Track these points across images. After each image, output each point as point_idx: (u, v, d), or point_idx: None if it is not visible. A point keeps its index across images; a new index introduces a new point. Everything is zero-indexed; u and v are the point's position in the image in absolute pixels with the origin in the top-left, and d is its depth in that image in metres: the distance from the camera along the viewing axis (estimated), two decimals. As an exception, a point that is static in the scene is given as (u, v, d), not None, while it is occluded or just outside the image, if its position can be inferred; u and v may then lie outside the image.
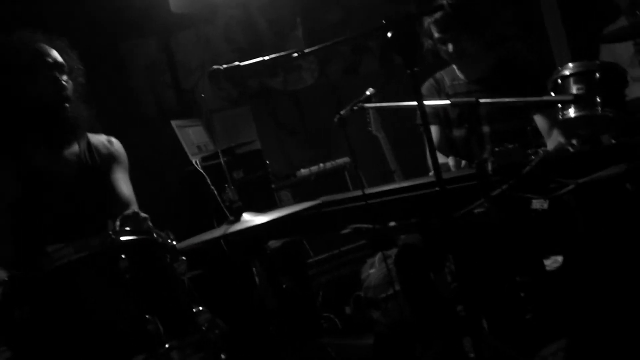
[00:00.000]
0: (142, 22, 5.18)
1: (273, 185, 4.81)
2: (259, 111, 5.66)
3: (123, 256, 1.96)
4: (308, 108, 6.02)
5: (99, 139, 3.07)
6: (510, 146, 2.61)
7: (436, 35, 3.42)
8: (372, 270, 4.52)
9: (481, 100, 2.70)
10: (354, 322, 4.47)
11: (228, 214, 3.88)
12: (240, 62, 2.69)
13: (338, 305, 4.66)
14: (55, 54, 2.84)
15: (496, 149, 2.62)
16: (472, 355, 3.17)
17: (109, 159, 3.03)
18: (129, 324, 1.97)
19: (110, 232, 2.00)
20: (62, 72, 2.84)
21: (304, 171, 5.14)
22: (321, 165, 5.01)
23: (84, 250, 1.95)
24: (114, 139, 3.12)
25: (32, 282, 1.95)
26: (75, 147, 2.93)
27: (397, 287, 3.60)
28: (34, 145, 2.82)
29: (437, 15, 3.34)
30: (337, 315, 4.57)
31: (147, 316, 1.94)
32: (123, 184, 3.04)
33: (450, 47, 3.41)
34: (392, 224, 3.11)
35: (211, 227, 3.07)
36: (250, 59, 2.69)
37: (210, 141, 4.95)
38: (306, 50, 2.53)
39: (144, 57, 5.44)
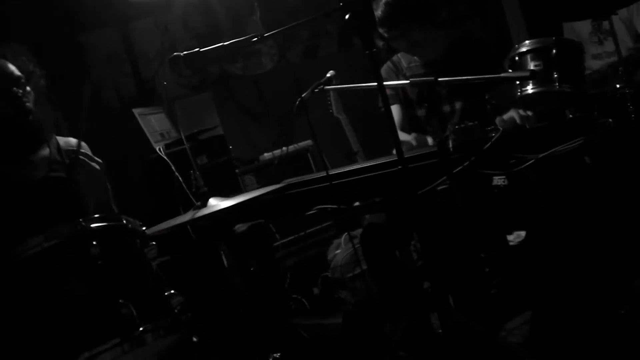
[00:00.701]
0: (100, 12, 5.12)
1: (237, 170, 4.81)
2: (220, 97, 5.66)
3: (94, 242, 1.97)
4: (269, 92, 6.02)
5: (69, 143, 3.04)
6: (470, 124, 2.65)
7: (386, 35, 3.43)
8: (338, 251, 4.56)
9: (439, 79, 2.73)
10: (322, 303, 4.51)
11: (194, 200, 3.90)
12: (199, 48, 2.69)
13: (306, 286, 4.69)
14: (11, 68, 2.80)
15: (456, 127, 2.66)
16: (439, 330, 3.22)
17: (82, 169, 3.01)
18: (102, 309, 1.99)
19: (80, 220, 2.01)
20: (21, 85, 2.80)
21: (267, 155, 5.16)
22: (284, 148, 5.03)
23: (55, 238, 1.96)
24: (81, 143, 3.06)
25: (6, 272, 1.95)
26: (44, 151, 2.90)
27: (364, 267, 3.65)
28: (3, 159, 2.81)
29: (380, 14, 3.34)
30: (305, 296, 4.60)
31: (120, 300, 1.95)
32: (103, 191, 3.04)
33: (403, 42, 3.43)
34: (356, 204, 3.14)
35: (177, 214, 3.07)
36: (209, 45, 2.69)
37: (172, 128, 4.94)
38: (266, 34, 2.54)
39: (104, 48, 5.39)
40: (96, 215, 2.15)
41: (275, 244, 4.74)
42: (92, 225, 2.01)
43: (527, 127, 2.84)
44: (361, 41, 2.24)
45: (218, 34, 5.72)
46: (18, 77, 2.79)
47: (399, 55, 3.71)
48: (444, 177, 2.55)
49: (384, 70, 3.68)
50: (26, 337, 1.97)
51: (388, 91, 3.71)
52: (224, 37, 5.58)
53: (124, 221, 2.15)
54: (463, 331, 2.98)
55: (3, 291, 1.95)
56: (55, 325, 1.95)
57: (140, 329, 1.97)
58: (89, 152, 3.09)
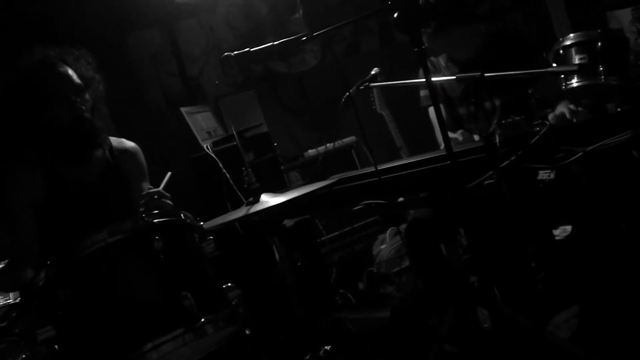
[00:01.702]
0: (146, 13, 5.20)
1: (282, 167, 4.86)
2: (263, 95, 5.71)
3: (157, 237, 2.03)
4: (312, 90, 6.06)
5: (123, 147, 3.08)
6: (517, 118, 2.66)
7: (427, 31, 3.44)
8: (383, 246, 4.58)
9: (486, 75, 2.74)
10: (367, 298, 4.54)
11: (242, 197, 3.97)
12: (242, 48, 2.73)
13: (351, 281, 4.73)
14: (72, 76, 2.80)
15: (503, 122, 2.67)
16: (485, 325, 3.22)
17: (134, 171, 3.07)
18: (166, 301, 2.04)
19: (143, 215, 2.07)
20: (81, 93, 2.81)
21: (311, 152, 5.21)
22: (328, 145, 5.06)
23: (118, 233, 2.02)
24: (135, 147, 3.13)
25: (73, 266, 2.02)
26: (98, 152, 2.93)
27: (409, 261, 3.67)
28: (57, 160, 2.85)
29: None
30: (350, 291, 4.63)
31: (182, 293, 2.01)
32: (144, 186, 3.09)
33: (443, 39, 3.44)
34: (400, 199, 3.16)
35: (225, 211, 3.13)
36: (252, 45, 2.73)
37: (219, 126, 5.01)
38: (315, 34, 2.58)
39: (150, 48, 5.47)
40: (156, 211, 2.21)
41: (321, 239, 4.78)
42: (154, 221, 2.07)
43: (575, 121, 2.83)
44: (409, 39, 2.27)
45: (261, 33, 5.76)
46: (78, 86, 2.80)
47: (436, 54, 3.72)
48: (491, 172, 2.56)
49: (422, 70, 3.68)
50: (92, 329, 2.03)
51: (428, 91, 3.72)
52: (266, 36, 5.63)
53: (182, 216, 2.20)
54: (511, 325, 2.98)
55: (68, 285, 2.01)
56: (120, 317, 2.01)
57: (202, 320, 2.02)
58: (142, 157, 3.13)
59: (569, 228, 3.43)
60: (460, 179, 2.38)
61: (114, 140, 3.06)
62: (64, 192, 2.83)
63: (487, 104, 3.49)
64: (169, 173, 2.84)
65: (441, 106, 3.60)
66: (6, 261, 3.01)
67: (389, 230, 4.65)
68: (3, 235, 2.86)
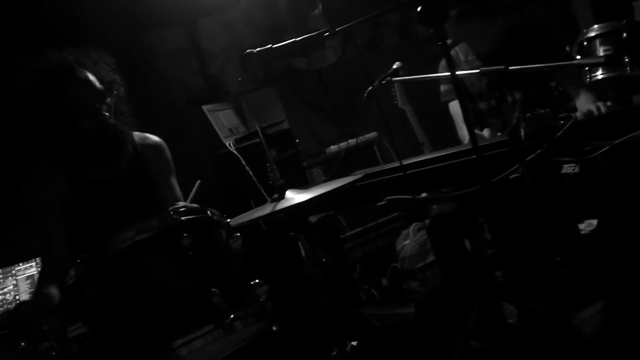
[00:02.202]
0: (167, 11, 5.22)
1: (304, 163, 4.87)
2: (284, 91, 5.71)
3: (185, 234, 2.04)
4: (332, 85, 6.06)
5: (147, 143, 3.07)
6: (542, 111, 2.64)
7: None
8: (406, 242, 4.58)
9: (510, 68, 2.72)
10: (391, 293, 4.53)
11: (265, 194, 3.98)
12: (263, 44, 2.74)
13: (374, 277, 4.72)
14: (93, 82, 2.77)
15: (527, 115, 2.65)
16: (510, 320, 3.21)
17: (159, 166, 3.06)
18: (195, 297, 2.05)
19: (171, 212, 2.08)
20: (103, 99, 2.78)
21: (333, 148, 5.21)
22: (350, 141, 5.06)
23: (146, 231, 2.03)
24: (160, 142, 3.12)
25: (102, 264, 2.03)
26: (122, 153, 2.91)
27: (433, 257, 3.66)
28: (82, 163, 2.84)
29: None
30: (374, 287, 4.63)
31: (211, 289, 2.02)
32: (175, 188, 3.09)
33: (462, 30, 3.43)
34: (423, 195, 3.16)
35: (249, 208, 3.13)
36: (272, 41, 2.74)
37: (241, 124, 5.02)
38: (337, 29, 2.58)
39: (170, 45, 5.49)
40: (183, 208, 2.22)
41: (344, 235, 4.78)
42: (182, 218, 2.07)
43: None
44: (432, 33, 2.26)
45: (281, 30, 5.77)
46: (100, 92, 2.77)
47: (456, 49, 3.69)
48: (516, 166, 2.54)
49: (442, 65, 3.66)
50: (122, 326, 2.04)
51: (449, 86, 3.71)
52: (286, 33, 5.64)
53: (209, 213, 2.21)
54: (537, 320, 2.96)
55: (98, 283, 2.02)
56: (149, 314, 2.02)
57: (231, 316, 2.03)
58: (168, 153, 3.12)
59: (594, 222, 3.40)
60: (486, 173, 2.37)
61: (138, 137, 3.04)
62: (89, 193, 2.84)
63: (514, 97, 3.46)
64: (198, 182, 2.84)
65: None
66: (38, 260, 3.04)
67: (412, 226, 4.65)
68: (34, 236, 2.89)
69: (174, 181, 3.10)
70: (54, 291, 2.64)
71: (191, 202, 3.06)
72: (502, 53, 3.42)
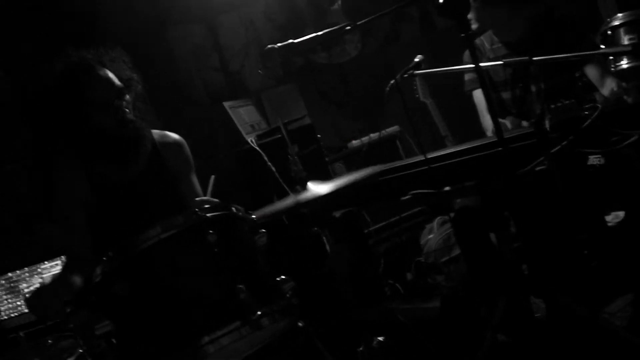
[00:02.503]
0: (187, 8, 5.24)
1: (326, 158, 4.85)
2: (304, 86, 5.70)
3: (211, 231, 2.03)
4: (353, 80, 6.04)
5: (166, 140, 3.05)
6: (567, 102, 2.61)
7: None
8: (430, 236, 4.56)
9: (535, 58, 2.69)
10: (415, 288, 4.51)
11: (287, 189, 3.97)
12: (282, 40, 2.73)
13: (399, 271, 4.70)
14: (113, 79, 2.78)
15: (552, 106, 2.62)
16: (537, 314, 3.19)
17: (179, 164, 3.04)
18: (222, 294, 2.04)
19: (196, 209, 2.07)
20: (121, 96, 2.79)
21: (355, 142, 5.19)
22: (372, 135, 5.04)
23: (172, 228, 2.02)
24: (180, 140, 3.10)
25: (128, 262, 2.03)
26: (142, 151, 2.91)
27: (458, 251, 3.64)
28: (102, 161, 2.85)
29: None
30: (398, 281, 4.61)
31: (238, 286, 2.01)
32: (196, 185, 3.09)
33: (483, 17, 3.40)
34: (447, 188, 3.13)
35: (271, 203, 3.12)
36: (292, 37, 2.73)
37: (262, 119, 5.02)
38: (359, 22, 2.57)
39: (191, 42, 5.51)
40: (207, 205, 2.21)
41: (368, 230, 4.76)
42: (207, 214, 2.07)
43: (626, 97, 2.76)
44: (455, 24, 2.23)
45: (300, 25, 5.76)
46: (119, 89, 2.78)
47: (481, 37, 3.67)
48: (542, 157, 2.52)
49: (466, 55, 3.64)
50: (149, 323, 2.04)
51: (473, 75, 3.69)
52: (306, 28, 5.63)
53: (234, 209, 2.20)
54: (565, 314, 2.94)
55: (124, 281, 2.02)
56: (176, 311, 2.01)
57: (258, 313, 2.02)
58: (188, 150, 3.10)
59: (621, 214, 3.36)
60: (511, 165, 2.34)
61: (158, 135, 3.04)
62: (110, 192, 2.85)
63: (538, 87, 3.43)
64: (213, 177, 2.83)
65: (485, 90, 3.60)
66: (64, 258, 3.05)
67: (436, 220, 4.63)
68: (59, 234, 2.90)
69: (194, 178, 3.09)
70: (76, 279, 2.65)
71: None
72: (528, 42, 3.40)
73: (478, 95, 3.71)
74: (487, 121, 3.67)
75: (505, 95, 3.56)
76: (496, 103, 3.59)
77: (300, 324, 2.34)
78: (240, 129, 4.71)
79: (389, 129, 5.24)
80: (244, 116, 4.87)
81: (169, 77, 5.22)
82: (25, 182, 4.44)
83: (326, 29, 2.70)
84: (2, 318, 3.79)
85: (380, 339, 2.67)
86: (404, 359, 3.26)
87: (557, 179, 2.61)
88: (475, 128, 3.77)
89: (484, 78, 2.35)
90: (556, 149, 2.50)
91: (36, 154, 4.26)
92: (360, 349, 2.65)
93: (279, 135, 4.49)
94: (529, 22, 3.45)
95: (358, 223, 4.52)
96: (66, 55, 2.81)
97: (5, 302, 3.79)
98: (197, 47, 5.57)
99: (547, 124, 2.55)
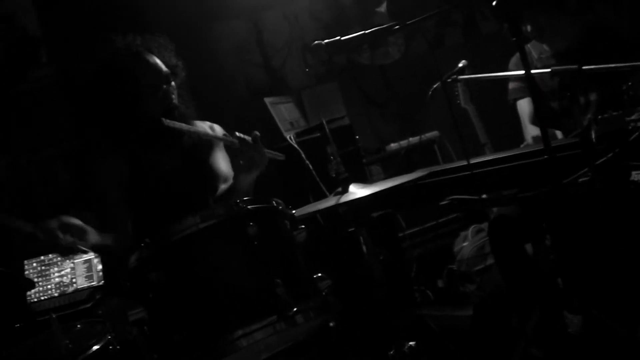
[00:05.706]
0: (231, 3, 5.26)
1: (364, 160, 4.83)
2: (345, 86, 5.68)
3: (251, 223, 2.02)
4: (394, 82, 6.01)
5: (202, 127, 3.08)
6: (615, 113, 2.56)
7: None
8: (464, 244, 4.50)
9: (584, 67, 2.65)
10: (446, 295, 4.47)
11: (324, 188, 3.95)
12: (326, 38, 2.72)
13: (430, 278, 4.66)
14: (160, 65, 2.84)
15: (599, 117, 2.57)
16: (570, 329, 3.13)
17: (210, 144, 3.08)
18: (259, 288, 2.03)
19: (238, 201, 2.06)
20: (169, 82, 2.85)
21: (393, 145, 5.15)
22: (411, 139, 5.00)
23: (212, 218, 2.01)
24: (216, 127, 3.14)
25: (165, 249, 2.03)
26: (183, 139, 2.97)
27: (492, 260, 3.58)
28: (144, 146, 2.90)
29: None
30: (429, 288, 4.57)
31: (276, 280, 1.99)
32: (222, 161, 3.10)
33: (528, 27, 3.35)
34: (484, 196, 3.08)
35: (307, 202, 3.11)
36: (335, 35, 2.72)
37: (302, 117, 5.01)
38: (408, 22, 2.54)
39: (234, 38, 5.52)
40: (248, 197, 2.21)
41: (402, 234, 4.72)
42: (248, 207, 2.05)
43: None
44: (508, 28, 2.20)
45: (345, 24, 5.75)
46: (167, 74, 2.84)
47: (528, 45, 3.62)
48: (586, 169, 2.47)
49: (512, 62, 3.60)
50: (182, 313, 2.03)
51: (518, 83, 3.64)
52: (351, 27, 5.61)
53: (274, 203, 2.19)
54: (602, 331, 2.88)
55: (160, 268, 2.02)
56: (211, 302, 2.00)
57: (294, 309, 1.99)
58: (222, 134, 3.12)
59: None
60: (554, 175, 2.30)
61: (198, 124, 3.07)
62: (149, 177, 2.87)
63: (581, 99, 3.37)
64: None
65: (530, 100, 3.55)
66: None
67: (471, 228, 4.57)
68: (92, 219, 2.91)
69: (223, 155, 3.13)
70: (105, 236, 2.67)
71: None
72: (577, 52, 3.34)
73: (522, 105, 3.66)
74: (528, 132, 3.62)
75: (554, 104, 3.51)
76: (545, 112, 3.54)
77: (331, 324, 2.33)
78: (280, 125, 4.70)
79: (429, 133, 5.19)
80: (284, 113, 4.86)
81: (212, 71, 5.25)
82: (62, 168, 4.49)
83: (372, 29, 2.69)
84: (32, 300, 3.83)
85: (412, 344, 2.64)
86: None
87: (600, 192, 2.55)
88: (514, 138, 3.72)
89: (534, 85, 2.30)
90: (601, 160, 2.44)
91: (77, 140, 4.30)
92: (391, 352, 2.62)
93: (318, 134, 4.47)
94: (583, 31, 3.40)
95: (393, 226, 4.49)
96: (114, 41, 2.86)
97: (37, 284, 3.83)
98: (240, 42, 5.59)
99: (593, 135, 2.49)
